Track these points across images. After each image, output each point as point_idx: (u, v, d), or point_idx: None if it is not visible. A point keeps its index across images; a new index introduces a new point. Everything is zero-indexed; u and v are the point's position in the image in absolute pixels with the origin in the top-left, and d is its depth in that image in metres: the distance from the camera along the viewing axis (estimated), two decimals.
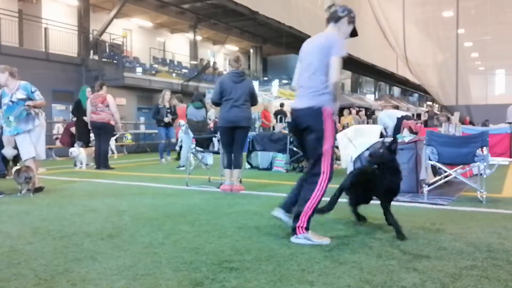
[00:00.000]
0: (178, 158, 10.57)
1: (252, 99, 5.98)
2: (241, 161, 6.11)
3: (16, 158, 6.65)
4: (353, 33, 3.47)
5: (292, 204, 3.41)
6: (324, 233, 3.49)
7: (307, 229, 3.20)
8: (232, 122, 5.81)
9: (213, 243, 3.21)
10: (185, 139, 9.52)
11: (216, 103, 6.02)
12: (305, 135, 3.33)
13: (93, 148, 9.51)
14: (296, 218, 3.22)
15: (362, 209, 3.91)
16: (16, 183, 5.65)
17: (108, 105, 8.92)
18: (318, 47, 3.33)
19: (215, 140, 7.35)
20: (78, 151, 9.21)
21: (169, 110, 10.36)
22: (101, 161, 9.07)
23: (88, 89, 10.06)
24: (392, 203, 4.97)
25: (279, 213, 3.46)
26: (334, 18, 3.40)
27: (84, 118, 9.62)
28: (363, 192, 3.75)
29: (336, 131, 3.42)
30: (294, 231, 3.22)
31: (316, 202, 3.22)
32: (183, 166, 9.00)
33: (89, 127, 9.35)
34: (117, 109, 9.26)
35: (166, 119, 10.24)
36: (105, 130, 9.05)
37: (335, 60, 3.23)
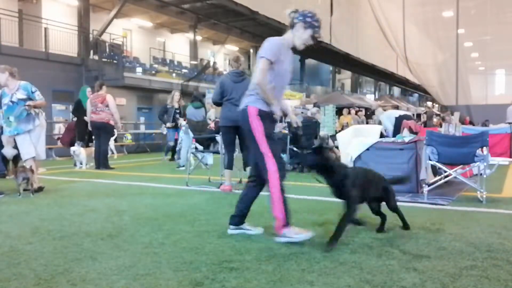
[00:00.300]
0: (172, 158, 10.53)
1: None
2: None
3: (16, 158, 6.65)
4: (314, 38, 3.40)
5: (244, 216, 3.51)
6: (324, 233, 3.49)
7: (286, 225, 3.22)
8: (234, 121, 5.81)
9: (213, 243, 3.21)
10: (185, 139, 9.52)
11: (217, 103, 6.04)
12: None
13: (93, 148, 9.51)
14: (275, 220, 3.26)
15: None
16: (16, 183, 5.65)
17: (108, 105, 8.92)
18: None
19: (219, 139, 7.36)
20: (79, 150, 9.22)
21: (178, 111, 10.25)
22: (101, 161, 9.07)
23: (88, 89, 10.06)
24: None
25: (233, 231, 3.53)
26: (290, 24, 3.41)
27: (85, 118, 9.62)
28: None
29: (296, 131, 3.47)
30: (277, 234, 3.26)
31: (281, 200, 3.23)
32: (183, 166, 9.00)
33: (89, 127, 9.36)
34: (117, 109, 9.26)
35: (180, 122, 10.07)
36: (104, 130, 9.05)
37: (259, 62, 3.29)
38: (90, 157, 9.36)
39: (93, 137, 9.66)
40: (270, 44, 3.31)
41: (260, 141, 3.28)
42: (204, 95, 11.45)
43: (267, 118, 3.33)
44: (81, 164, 9.21)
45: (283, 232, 3.21)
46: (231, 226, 3.53)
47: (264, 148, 3.27)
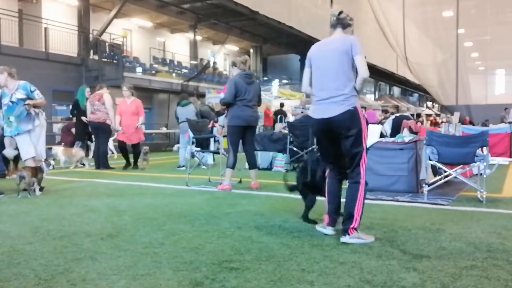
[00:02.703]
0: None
1: (259, 100, 6.25)
2: (256, 160, 6.51)
3: (17, 158, 6.66)
4: None
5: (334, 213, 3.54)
6: (324, 233, 3.49)
7: (356, 228, 3.27)
8: (247, 121, 6.04)
9: (213, 243, 3.21)
10: (181, 139, 9.52)
11: (229, 103, 6.05)
12: (343, 140, 3.35)
13: (73, 150, 9.46)
14: (348, 219, 3.28)
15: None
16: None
17: (104, 103, 8.89)
18: (337, 51, 3.38)
19: (220, 140, 7.37)
20: (56, 150, 9.22)
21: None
22: (101, 161, 9.07)
23: (87, 90, 10.04)
24: (393, 203, 5.02)
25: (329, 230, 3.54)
26: (343, 24, 3.50)
27: (83, 118, 9.61)
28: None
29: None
30: (346, 232, 3.26)
31: (362, 201, 3.33)
32: (183, 166, 9.00)
33: (89, 128, 9.36)
34: (116, 108, 9.27)
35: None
36: (102, 130, 9.05)
37: (361, 58, 3.34)
38: (70, 159, 9.29)
39: (93, 137, 9.66)
40: (359, 42, 3.41)
41: (365, 139, 3.38)
42: (192, 94, 11.19)
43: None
44: (54, 164, 8.88)
45: (354, 233, 3.24)
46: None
47: (365, 146, 3.38)
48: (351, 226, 3.25)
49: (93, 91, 9.46)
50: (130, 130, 9.11)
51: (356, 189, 3.33)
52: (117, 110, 9.20)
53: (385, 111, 21.76)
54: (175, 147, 10.70)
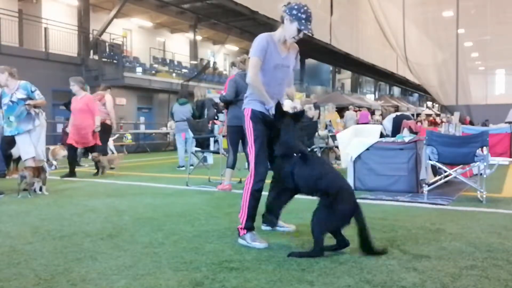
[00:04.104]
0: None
1: None
2: None
3: (18, 159, 6.68)
4: (300, 32, 3.21)
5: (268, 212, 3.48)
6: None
7: (246, 229, 3.22)
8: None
9: (213, 243, 3.21)
10: (178, 139, 9.50)
11: (230, 101, 6.07)
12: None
13: (56, 148, 9.25)
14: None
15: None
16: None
17: (105, 104, 8.83)
18: None
19: (220, 140, 7.36)
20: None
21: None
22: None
23: (87, 88, 10.02)
24: (393, 203, 5.02)
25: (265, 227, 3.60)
26: (280, 18, 3.30)
27: None
28: None
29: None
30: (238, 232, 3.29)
31: (246, 204, 3.25)
32: (183, 166, 9.00)
33: None
34: (116, 109, 9.24)
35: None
36: (102, 130, 9.01)
37: (250, 60, 3.26)
38: (54, 156, 9.02)
39: None
40: (257, 41, 3.26)
41: (249, 143, 3.31)
42: (189, 94, 11.05)
43: (263, 119, 3.29)
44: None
45: (242, 234, 3.23)
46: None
47: (250, 151, 3.30)
48: (239, 226, 3.27)
49: (94, 91, 9.42)
50: (80, 131, 7.67)
51: (244, 189, 3.31)
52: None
53: (371, 113, 21.79)
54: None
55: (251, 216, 3.24)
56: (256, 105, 3.30)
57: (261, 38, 3.25)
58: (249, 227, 3.22)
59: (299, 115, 3.33)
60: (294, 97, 3.80)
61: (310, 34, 3.23)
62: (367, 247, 2.89)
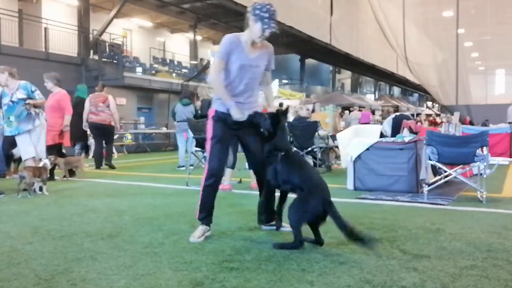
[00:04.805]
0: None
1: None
2: None
3: (20, 159, 6.68)
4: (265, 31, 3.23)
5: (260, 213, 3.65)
6: (324, 233, 3.48)
7: (200, 220, 3.45)
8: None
9: (213, 243, 3.21)
10: (179, 138, 9.50)
11: None
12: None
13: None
14: None
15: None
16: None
17: (109, 105, 8.94)
18: None
19: None
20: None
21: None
22: (106, 160, 9.19)
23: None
24: (393, 203, 5.02)
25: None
26: (246, 19, 3.36)
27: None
28: None
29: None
30: None
31: (200, 197, 3.49)
32: (183, 166, 9.00)
33: (85, 127, 9.02)
34: (117, 109, 9.30)
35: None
36: (107, 131, 9.12)
37: (213, 61, 3.40)
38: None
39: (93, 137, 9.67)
40: (222, 42, 3.33)
41: (206, 140, 3.44)
42: (192, 94, 11.05)
43: (225, 119, 3.34)
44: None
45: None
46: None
47: (206, 148, 3.46)
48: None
49: (94, 91, 9.41)
50: (52, 129, 7.04)
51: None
52: None
53: (372, 113, 21.73)
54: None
55: (204, 209, 3.45)
56: (220, 106, 3.38)
57: (226, 40, 3.34)
58: (202, 219, 3.43)
59: (281, 114, 3.38)
60: (270, 97, 3.78)
61: (276, 31, 3.26)
62: (349, 234, 2.94)
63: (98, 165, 9.03)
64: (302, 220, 3.04)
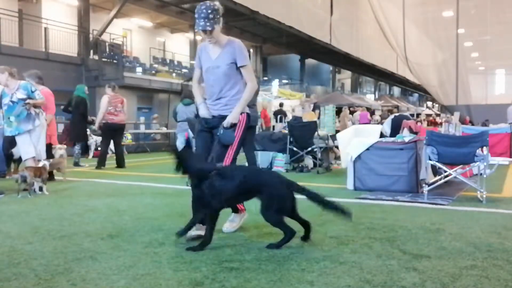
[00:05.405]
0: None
1: (255, 100, 6.36)
2: (256, 160, 6.66)
3: (20, 159, 6.68)
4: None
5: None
6: (324, 233, 3.49)
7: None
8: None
9: (213, 243, 3.21)
10: (179, 138, 9.51)
11: None
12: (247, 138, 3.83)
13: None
14: None
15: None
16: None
17: (124, 106, 9.34)
18: None
19: None
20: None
21: None
22: (117, 160, 9.31)
23: (85, 88, 10.08)
24: (393, 203, 5.02)
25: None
26: None
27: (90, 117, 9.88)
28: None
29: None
30: None
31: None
32: None
33: (97, 127, 9.37)
34: None
35: None
36: (122, 132, 9.59)
37: None
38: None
39: (102, 136, 9.74)
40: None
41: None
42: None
43: (204, 123, 3.63)
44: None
45: None
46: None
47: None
48: None
49: (94, 91, 9.45)
50: None
51: None
52: None
53: (371, 113, 21.77)
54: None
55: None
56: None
57: (197, 48, 3.62)
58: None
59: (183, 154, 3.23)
60: (244, 97, 3.48)
61: (208, 29, 3.29)
62: (324, 204, 3.14)
63: (102, 165, 9.01)
64: (280, 214, 3.08)
